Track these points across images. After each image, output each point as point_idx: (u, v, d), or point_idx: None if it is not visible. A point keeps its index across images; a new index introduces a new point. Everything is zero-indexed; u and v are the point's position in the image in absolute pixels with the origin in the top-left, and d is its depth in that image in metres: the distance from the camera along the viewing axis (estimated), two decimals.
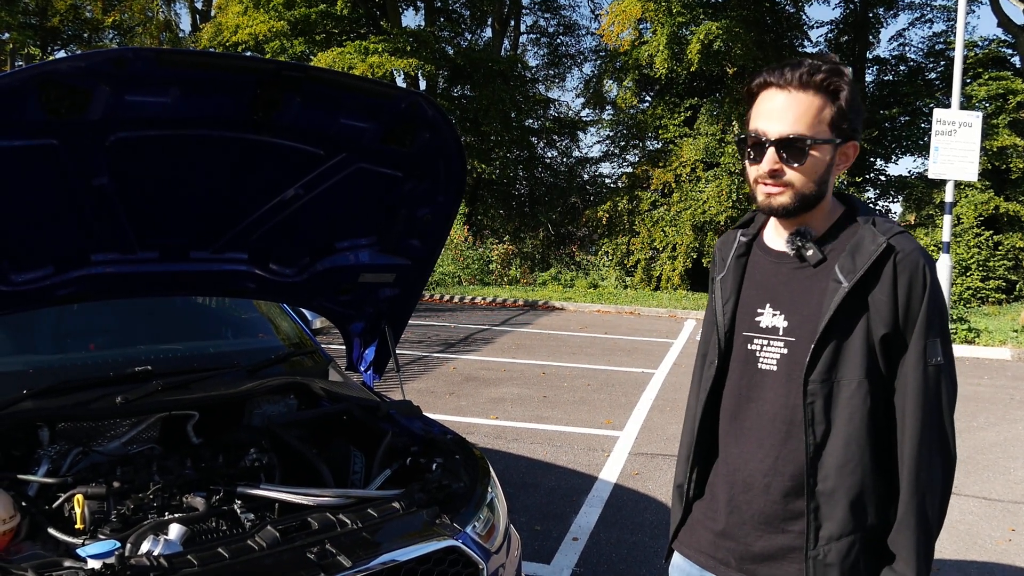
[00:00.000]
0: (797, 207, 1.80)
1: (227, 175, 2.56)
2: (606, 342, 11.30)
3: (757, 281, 1.94)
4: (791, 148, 1.76)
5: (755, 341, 1.89)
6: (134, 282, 2.74)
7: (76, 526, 2.28)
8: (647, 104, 22.97)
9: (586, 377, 8.84)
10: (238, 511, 2.47)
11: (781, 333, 1.85)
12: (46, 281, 2.52)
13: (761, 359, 1.88)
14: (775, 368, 1.86)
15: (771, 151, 1.77)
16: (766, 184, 1.80)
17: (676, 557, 2.10)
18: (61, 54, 26.26)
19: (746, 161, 1.85)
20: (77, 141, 2.20)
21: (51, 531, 2.25)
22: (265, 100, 2.36)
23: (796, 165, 1.76)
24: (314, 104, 2.43)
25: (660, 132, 21.42)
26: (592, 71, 27.72)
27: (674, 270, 19.99)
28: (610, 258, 22.08)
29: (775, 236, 1.94)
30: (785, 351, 1.84)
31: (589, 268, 22.48)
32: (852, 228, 1.84)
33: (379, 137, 2.64)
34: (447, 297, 16.03)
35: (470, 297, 15.91)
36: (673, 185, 20.54)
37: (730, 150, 19.52)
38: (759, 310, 1.90)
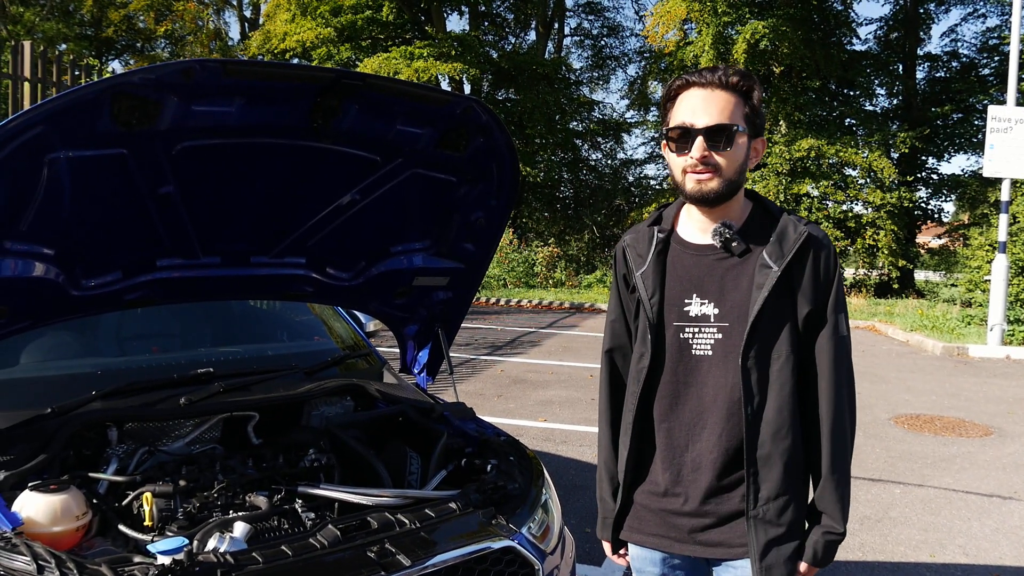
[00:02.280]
0: (724, 192, 1.97)
1: (286, 182, 2.62)
2: None
3: (680, 274, 2.07)
4: (718, 135, 1.93)
5: (687, 330, 2.05)
6: (197, 287, 2.82)
7: (145, 523, 2.34)
8: None
9: None
10: (299, 510, 2.52)
11: (713, 320, 2.02)
12: (114, 286, 2.60)
13: (695, 346, 2.04)
14: (710, 353, 2.03)
15: (700, 139, 1.93)
16: (696, 172, 1.96)
17: (632, 548, 2.25)
18: (115, 63, 26.84)
19: (672, 155, 2.00)
20: (146, 150, 2.27)
21: (121, 528, 2.32)
22: (325, 108, 2.41)
23: (725, 151, 1.94)
24: (371, 111, 2.48)
25: None
26: (636, 73, 27.62)
27: None
28: None
29: (694, 231, 2.08)
30: (719, 336, 2.02)
31: None
32: (768, 220, 2.03)
33: (434, 142, 2.68)
34: (493, 300, 16.09)
35: (516, 300, 15.94)
36: None
37: (777, 150, 19.29)
38: (687, 300, 2.05)
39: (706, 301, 2.03)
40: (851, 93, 22.79)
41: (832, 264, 2.01)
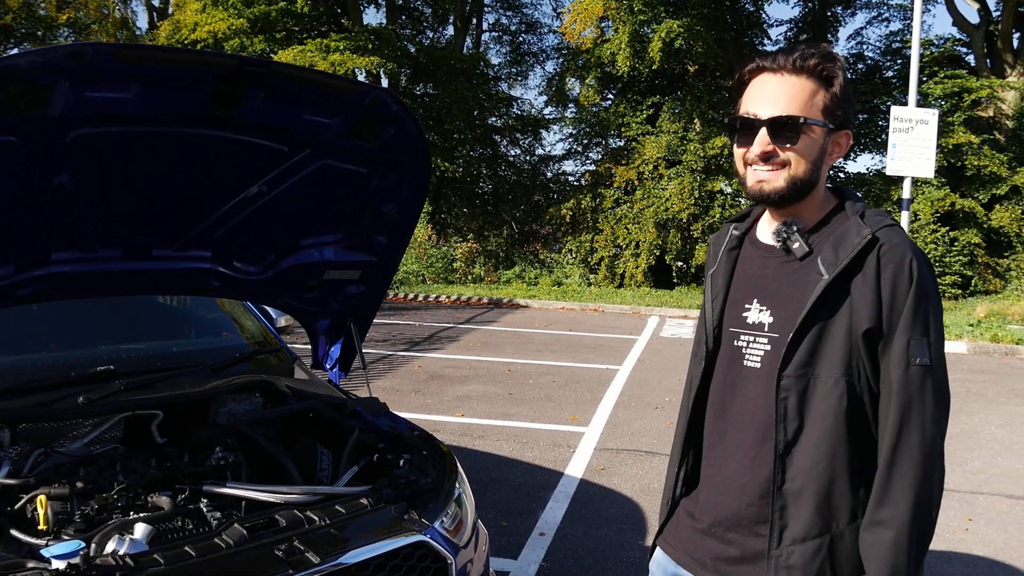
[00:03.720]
0: (789, 193, 1.75)
1: (190, 172, 2.54)
2: (571, 339, 11.35)
3: (747, 276, 1.89)
4: (783, 128, 1.71)
5: (741, 337, 1.84)
6: (96, 281, 2.71)
7: (39, 527, 2.25)
8: (609, 102, 23.08)
9: (551, 374, 8.87)
10: (204, 510, 2.45)
11: (766, 329, 1.80)
12: (6, 280, 2.48)
13: (746, 356, 1.82)
14: (759, 365, 1.80)
15: (763, 132, 1.72)
16: (757, 168, 1.76)
17: (657, 552, 2.06)
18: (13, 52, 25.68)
19: (735, 145, 1.81)
20: (36, 138, 2.17)
21: (13, 532, 2.22)
22: (227, 96, 2.34)
23: (789, 146, 1.72)
24: (278, 100, 2.42)
25: (623, 130, 21.55)
26: (555, 69, 27.77)
27: (637, 267, 20.10)
28: (574, 256, 22.16)
29: (767, 230, 1.89)
30: (768, 347, 1.78)
31: (553, 266, 22.55)
32: (840, 219, 1.79)
33: (343, 133, 2.64)
34: (411, 296, 15.99)
35: (434, 296, 15.88)
36: (636, 183, 20.66)
37: (692, 147, 19.68)
38: (747, 305, 1.85)
39: (764, 308, 1.82)
40: None
41: (906, 274, 1.66)
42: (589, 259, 21.33)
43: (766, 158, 1.74)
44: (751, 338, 1.82)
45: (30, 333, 3.21)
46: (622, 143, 22.15)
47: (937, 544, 4.66)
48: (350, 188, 2.86)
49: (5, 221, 2.36)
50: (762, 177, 1.75)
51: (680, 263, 20.61)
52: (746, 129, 1.75)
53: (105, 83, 2.14)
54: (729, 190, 19.96)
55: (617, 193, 21.51)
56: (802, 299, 1.72)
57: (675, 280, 20.70)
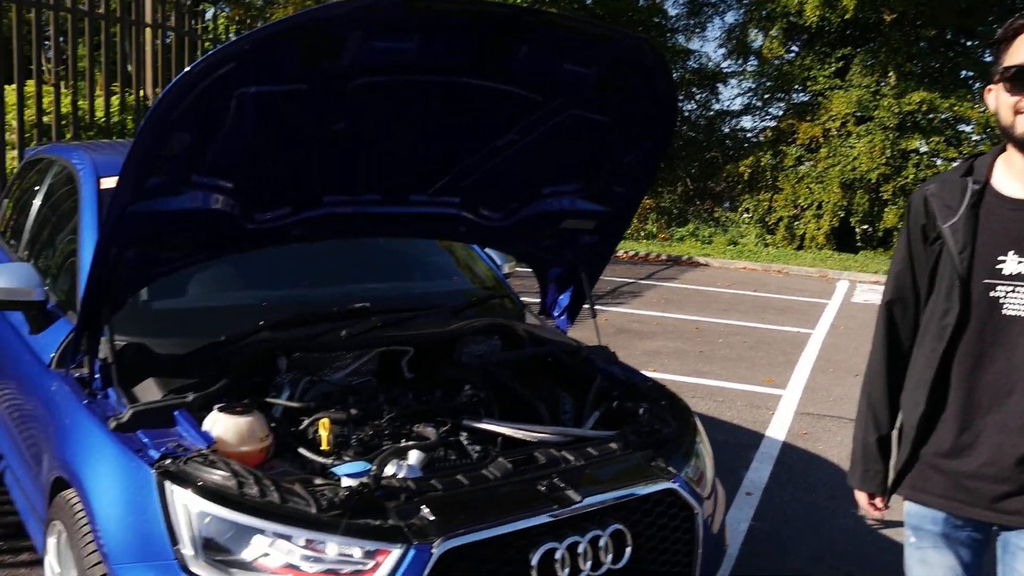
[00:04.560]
0: None
1: (450, 120, 2.62)
2: (757, 300, 11.06)
3: (995, 230, 1.95)
4: None
5: (997, 288, 1.93)
6: (358, 224, 2.87)
7: (321, 448, 2.43)
8: (794, 54, 22.04)
9: (741, 334, 8.70)
10: (464, 443, 2.58)
11: None
12: (283, 221, 2.67)
13: (1006, 306, 1.92)
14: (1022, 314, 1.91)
15: None
16: None
17: (911, 506, 2.14)
18: (210, 12, 27.13)
19: (1005, 95, 1.90)
20: (325, 87, 2.29)
21: (301, 451, 2.41)
22: (497, 45, 2.39)
23: None
24: (543, 49, 2.45)
25: (808, 84, 20.53)
26: (735, 20, 26.68)
27: (819, 229, 19.25)
28: (750, 215, 21.49)
29: (1012, 183, 1.95)
30: None
31: (728, 225, 21.97)
32: None
33: (596, 83, 2.64)
34: None
35: None
36: (821, 140, 19.70)
37: (885, 103, 18.53)
38: (1000, 257, 1.93)
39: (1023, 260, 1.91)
40: (969, 43, 21.67)
41: None
42: (767, 219, 20.62)
43: None
44: (1009, 288, 1.91)
45: (285, 271, 3.43)
46: (807, 98, 21.14)
47: None
48: (594, 138, 2.87)
49: (287, 165, 2.52)
50: None
51: (866, 226, 19.59)
52: (1020, 78, 1.86)
53: (392, 34, 2.23)
54: (925, 149, 18.73)
55: (799, 151, 20.61)
56: None
57: (859, 244, 19.70)
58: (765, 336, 8.68)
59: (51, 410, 2.67)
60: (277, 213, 2.63)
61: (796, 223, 19.97)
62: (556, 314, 3.58)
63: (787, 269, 14.37)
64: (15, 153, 7.46)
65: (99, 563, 2.16)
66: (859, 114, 19.09)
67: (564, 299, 3.55)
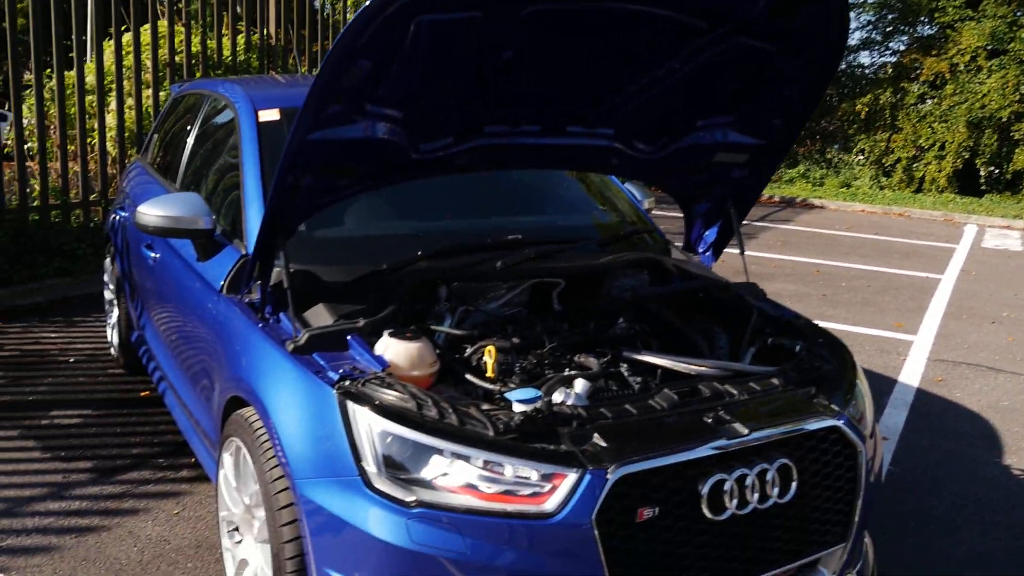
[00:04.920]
0: None
1: (613, 49, 2.57)
2: (878, 243, 10.69)
3: None
4: None
5: None
6: (516, 154, 2.87)
7: (487, 375, 2.47)
8: None
9: (864, 278, 8.43)
10: (625, 374, 2.58)
11: None
12: (446, 151, 2.68)
13: None
14: None
15: None
16: None
17: None
18: None
19: None
20: (498, 14, 2.27)
21: (469, 377, 2.46)
22: None
23: None
24: None
25: (936, 15, 19.38)
26: None
27: (940, 171, 18.34)
28: (865, 156, 20.64)
29: None
30: None
31: (841, 167, 21.16)
32: None
33: (765, 9, 2.55)
34: None
35: None
36: (947, 75, 18.66)
37: (1023, 35, 17.38)
38: None
39: None
40: None
41: None
42: (883, 160, 19.77)
43: None
44: None
45: (432, 202, 3.46)
46: (933, 31, 20.00)
47: None
48: (756, 68, 2.77)
49: (453, 94, 2.53)
50: None
51: (993, 168, 18.57)
52: None
53: None
54: None
55: (923, 88, 19.58)
56: None
57: (983, 187, 18.72)
58: (891, 281, 8.39)
59: (223, 334, 2.79)
60: (440, 143, 2.65)
61: (915, 165, 19.09)
62: (701, 250, 3.53)
63: (908, 212, 13.83)
64: (149, 92, 7.74)
65: (281, 477, 2.26)
66: (991, 47, 17.96)
67: (710, 235, 3.49)
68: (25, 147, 6.68)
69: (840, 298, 7.54)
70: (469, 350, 2.55)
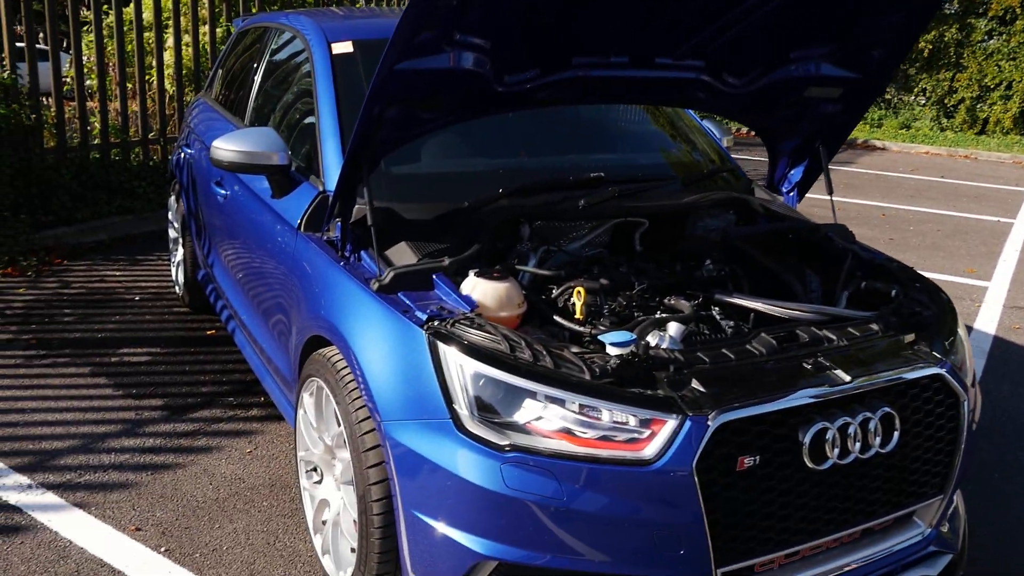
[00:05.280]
0: None
1: None
2: (945, 186, 10.35)
3: None
4: None
5: None
6: (602, 87, 2.74)
7: (576, 317, 2.40)
8: None
9: (932, 222, 8.18)
10: (717, 317, 2.49)
11: None
12: (531, 83, 2.57)
13: None
14: None
15: None
16: None
17: None
18: None
19: None
20: None
21: (557, 318, 2.39)
22: None
23: None
24: None
25: None
26: None
27: (1006, 112, 17.67)
28: (927, 96, 19.94)
29: None
30: None
31: (900, 107, 20.50)
32: None
33: None
34: (739, 129, 15.20)
35: None
36: (1018, 10, 17.87)
37: None
38: None
39: None
40: None
41: None
42: (946, 100, 19.09)
43: None
44: None
45: (505, 138, 3.35)
46: None
47: None
48: None
49: (541, 24, 2.40)
50: None
51: None
52: None
53: None
54: None
55: (991, 24, 18.78)
56: None
57: None
58: (960, 225, 8.12)
59: (301, 272, 2.74)
60: (526, 75, 2.54)
61: (979, 105, 18.41)
62: (785, 190, 3.39)
63: (975, 154, 13.36)
64: (205, 28, 7.66)
65: (367, 419, 2.22)
66: None
67: (795, 174, 3.35)
68: (85, 84, 6.67)
69: (909, 242, 7.32)
70: (556, 291, 2.47)
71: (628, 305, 2.45)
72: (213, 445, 3.44)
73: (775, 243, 2.94)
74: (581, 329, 2.32)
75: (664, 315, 2.37)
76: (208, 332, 4.61)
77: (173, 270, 5.12)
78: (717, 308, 2.52)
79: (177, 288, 5.04)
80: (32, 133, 6.02)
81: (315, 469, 2.72)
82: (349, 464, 2.43)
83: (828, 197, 3.26)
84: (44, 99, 6.61)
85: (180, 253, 4.81)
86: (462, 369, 2.03)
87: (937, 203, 9.17)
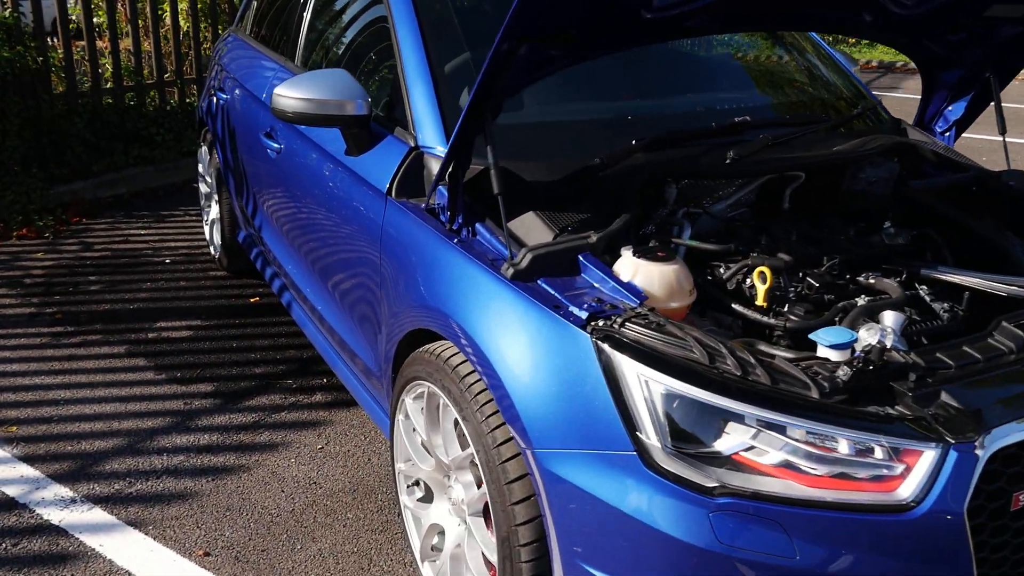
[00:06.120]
0: None
1: None
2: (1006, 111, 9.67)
3: None
4: None
5: None
6: (755, 12, 2.22)
7: (756, 303, 1.92)
8: None
9: (998, 151, 7.58)
10: (927, 299, 2.02)
11: None
12: (682, 7, 2.05)
13: None
14: None
15: None
16: None
17: None
18: None
19: None
20: None
21: (737, 308, 1.91)
22: None
23: None
24: None
25: None
26: None
27: None
28: None
29: None
30: None
31: None
32: None
33: None
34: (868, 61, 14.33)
35: None
36: None
37: None
38: None
39: None
40: None
41: None
42: None
43: None
44: None
45: (608, 80, 2.83)
46: None
47: None
48: None
49: None
50: None
51: None
52: None
53: None
54: None
55: None
56: None
57: None
58: None
59: (394, 247, 2.25)
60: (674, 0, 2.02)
61: None
62: (940, 129, 2.88)
63: None
64: None
65: (508, 441, 1.77)
66: None
67: (954, 111, 2.83)
68: (93, 22, 6.08)
69: None
70: (727, 271, 1.99)
71: (818, 287, 1.96)
72: (278, 440, 3.00)
73: (960, 198, 2.44)
74: (772, 322, 1.85)
75: (870, 299, 1.90)
76: (251, 300, 4.14)
77: (207, 229, 4.62)
78: (924, 287, 2.04)
79: (212, 249, 4.55)
80: (39, 77, 5.47)
81: (418, 483, 2.27)
82: (474, 489, 1.98)
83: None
84: (50, 39, 6.04)
85: (215, 210, 4.31)
86: (648, 386, 1.56)
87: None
